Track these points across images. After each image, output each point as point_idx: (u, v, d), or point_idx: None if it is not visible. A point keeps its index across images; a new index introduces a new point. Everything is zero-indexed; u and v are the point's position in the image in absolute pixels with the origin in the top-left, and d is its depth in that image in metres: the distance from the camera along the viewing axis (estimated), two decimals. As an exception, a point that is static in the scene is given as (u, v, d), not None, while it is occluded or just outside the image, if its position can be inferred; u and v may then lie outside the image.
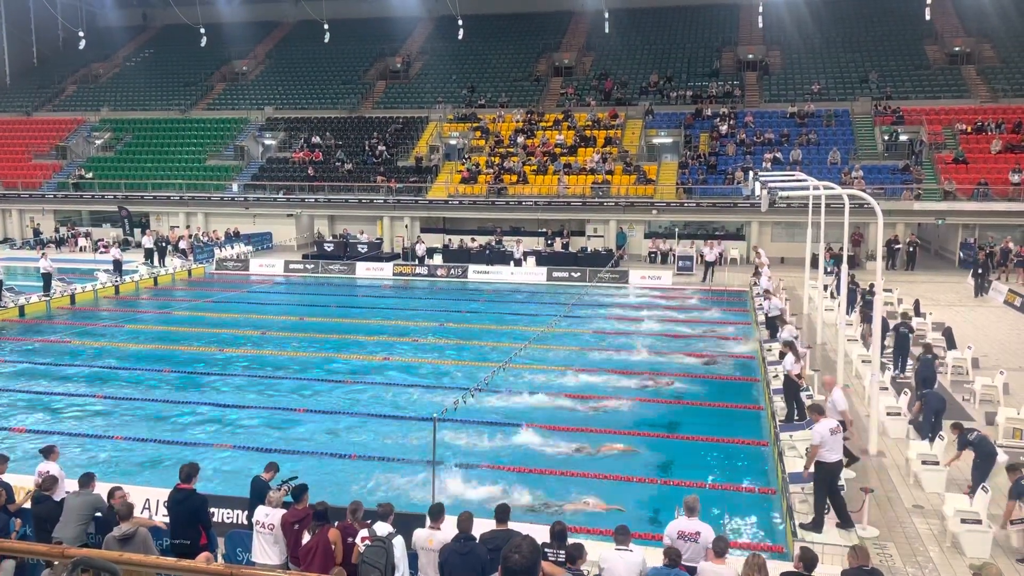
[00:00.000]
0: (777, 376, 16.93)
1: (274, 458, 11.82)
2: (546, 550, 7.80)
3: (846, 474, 11.43)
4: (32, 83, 55.82)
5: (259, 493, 9.37)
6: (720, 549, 7.67)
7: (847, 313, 20.81)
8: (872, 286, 18.90)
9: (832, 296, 23.76)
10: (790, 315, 21.62)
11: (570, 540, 7.96)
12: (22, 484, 10.29)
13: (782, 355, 15.73)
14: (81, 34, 52.01)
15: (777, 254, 34.74)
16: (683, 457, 13.88)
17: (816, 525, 10.40)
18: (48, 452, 10.09)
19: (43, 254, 30.45)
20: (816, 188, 20.71)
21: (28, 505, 9.36)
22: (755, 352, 20.76)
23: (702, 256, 33.43)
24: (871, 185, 34.13)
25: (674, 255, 34.92)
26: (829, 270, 26.15)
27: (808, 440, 11.61)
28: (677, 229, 37.16)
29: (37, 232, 43.10)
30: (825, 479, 10.46)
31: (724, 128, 41.17)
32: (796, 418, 14.33)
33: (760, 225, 36.78)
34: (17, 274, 31.53)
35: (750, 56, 47.59)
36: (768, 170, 33.36)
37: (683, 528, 8.32)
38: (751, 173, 25.18)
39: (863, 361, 17.59)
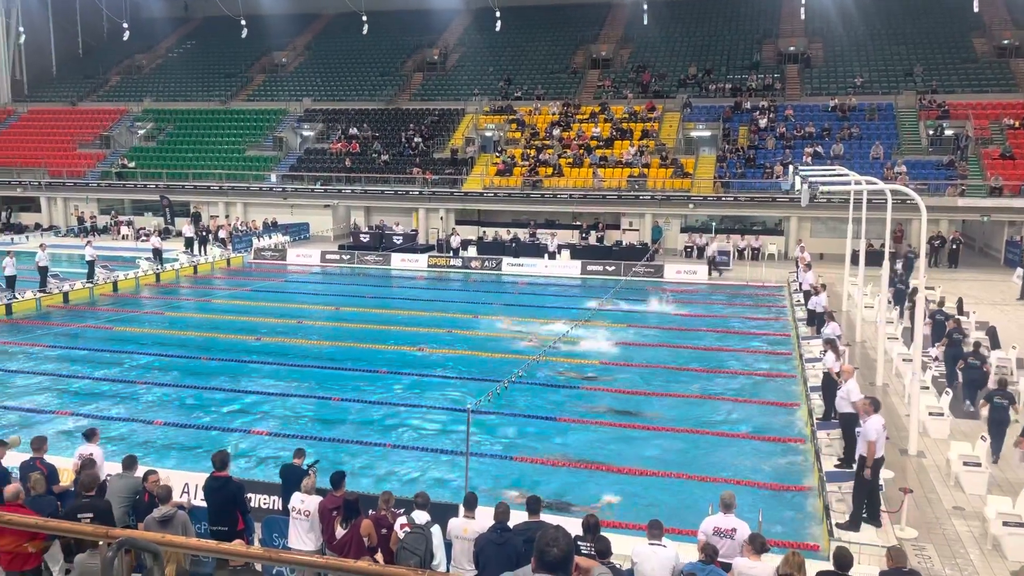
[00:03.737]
0: (816, 373, 16.74)
1: (308, 446, 12.00)
2: (578, 543, 7.80)
3: (884, 474, 11.25)
4: (78, 74, 56.96)
5: (292, 479, 9.50)
6: (758, 546, 7.60)
7: (900, 315, 20.52)
8: (913, 284, 18.55)
9: (895, 309, 22.77)
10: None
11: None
12: (64, 466, 10.51)
13: (823, 352, 15.52)
14: (125, 25, 52.90)
15: (816, 250, 34.22)
16: (718, 453, 13.77)
17: (854, 524, 10.26)
18: (90, 435, 10.32)
19: (88, 242, 31.09)
20: (858, 183, 20.36)
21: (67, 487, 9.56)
22: (792, 348, 20.51)
23: (702, 250, 33.33)
24: (914, 181, 33.45)
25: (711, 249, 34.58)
26: (897, 279, 24.74)
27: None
28: (714, 224, 36.79)
29: (81, 220, 44.02)
30: (870, 476, 10.30)
31: (763, 122, 40.63)
32: (833, 417, 14.13)
33: (799, 220, 36.27)
34: (62, 261, 32.23)
35: (791, 48, 46.86)
36: (808, 164, 32.84)
37: (719, 524, 8.26)
38: (791, 167, 24.76)
39: (904, 360, 17.28)
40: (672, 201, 37.40)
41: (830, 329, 17.03)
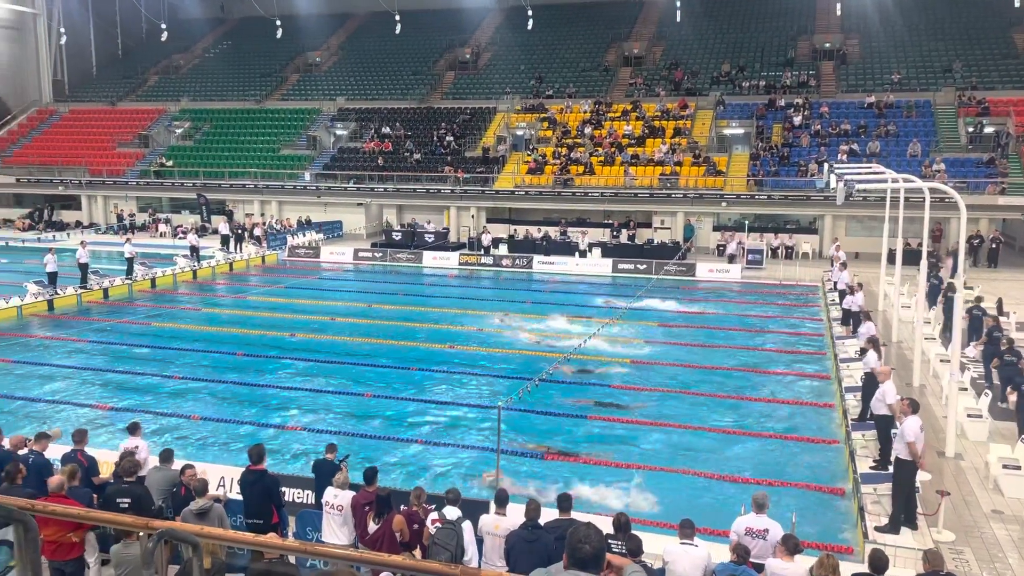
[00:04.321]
0: (851, 374, 16.53)
1: (341, 441, 12.12)
2: (609, 541, 7.79)
3: (921, 476, 11.09)
4: (117, 74, 58.01)
5: (324, 474, 9.61)
6: (791, 547, 7.53)
7: (930, 307, 20.15)
8: (952, 284, 18.23)
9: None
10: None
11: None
12: (104, 459, 10.74)
13: (862, 352, 15.31)
14: (163, 26, 53.74)
15: (852, 249, 33.75)
16: (751, 453, 13.66)
17: (893, 526, 10.12)
18: (133, 429, 10.55)
19: (127, 239, 31.67)
20: (895, 181, 20.05)
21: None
22: (826, 348, 20.27)
23: (723, 248, 33.21)
24: (953, 179, 32.83)
25: (743, 248, 34.31)
26: (931, 275, 23.86)
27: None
28: (747, 222, 36.44)
29: (120, 218, 44.84)
30: (908, 478, 10.17)
31: (798, 119, 40.15)
32: (869, 418, 13.95)
33: (834, 219, 35.80)
34: (102, 258, 32.86)
35: (827, 45, 46.24)
36: (844, 162, 32.42)
37: (751, 524, 8.20)
38: (826, 165, 24.44)
39: (941, 360, 16.99)
40: (705, 199, 37.13)
41: (865, 328, 16.81)
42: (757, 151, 39.13)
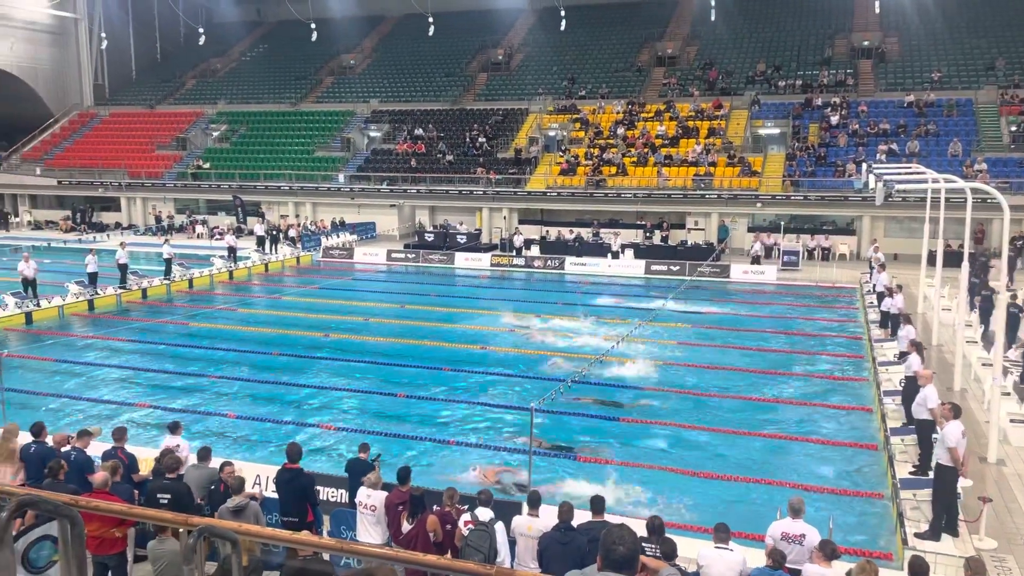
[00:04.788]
0: (889, 377, 16.27)
1: (373, 440, 12.19)
2: (642, 544, 7.74)
3: (963, 482, 10.86)
4: (156, 78, 59.03)
5: (358, 473, 9.68)
6: (828, 552, 7.42)
7: (971, 307, 19.75)
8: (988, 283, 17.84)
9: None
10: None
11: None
12: (142, 457, 10.91)
13: (903, 355, 15.04)
14: (201, 30, 54.70)
15: (891, 250, 33.19)
16: (787, 457, 13.50)
17: (934, 533, 9.93)
18: (174, 427, 10.72)
19: (165, 240, 32.20)
20: (935, 181, 19.68)
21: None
22: (865, 351, 19.96)
23: (769, 250, 32.92)
24: (996, 179, 32.13)
25: (778, 249, 33.94)
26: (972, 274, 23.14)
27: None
28: (783, 223, 36.00)
29: (159, 219, 45.62)
30: (949, 485, 9.97)
31: (835, 118, 39.60)
32: (909, 422, 13.71)
33: (872, 220, 35.22)
34: (140, 259, 33.45)
35: (865, 43, 45.53)
36: (882, 162, 31.91)
37: (787, 529, 8.09)
38: (864, 165, 24.08)
39: (983, 364, 16.64)
40: (739, 200, 36.78)
41: (905, 332, 16.51)
42: (793, 151, 38.66)
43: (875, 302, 23.16)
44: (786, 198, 36.15)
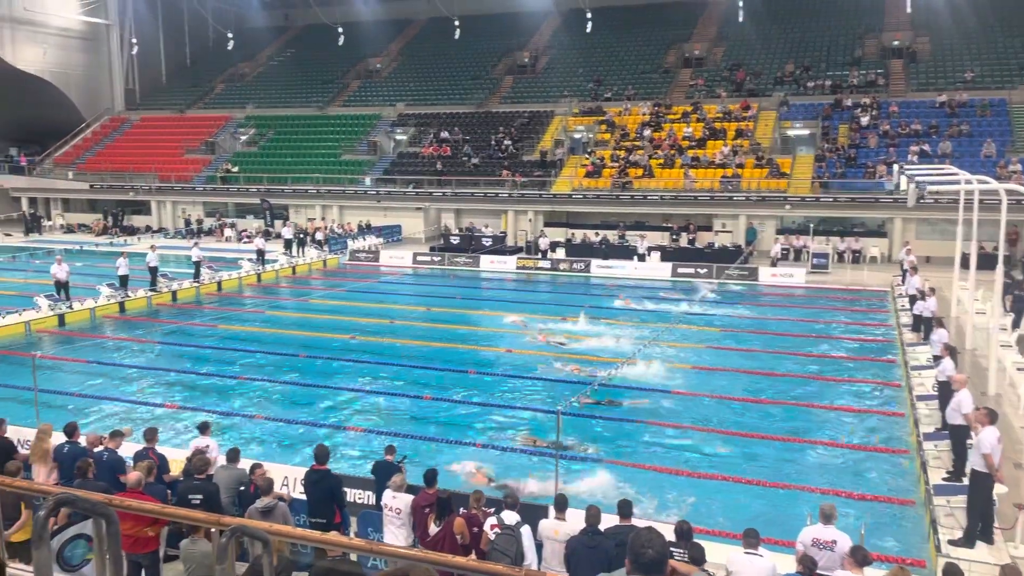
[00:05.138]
0: (922, 382, 16.03)
1: (399, 442, 12.22)
2: (671, 548, 7.68)
3: (998, 489, 10.65)
4: (185, 82, 59.81)
5: (384, 475, 9.70)
6: (860, 559, 7.30)
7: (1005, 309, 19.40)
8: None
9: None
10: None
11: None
12: (172, 457, 11.02)
13: (936, 359, 14.80)
14: (230, 35, 55.34)
15: (923, 253, 32.69)
16: (818, 462, 13.33)
17: (968, 540, 9.75)
18: (204, 428, 10.83)
19: (195, 243, 32.57)
20: (969, 182, 19.37)
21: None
22: (897, 355, 19.68)
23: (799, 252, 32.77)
24: (1030, 180, 31.57)
25: (808, 252, 33.59)
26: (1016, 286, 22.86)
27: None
28: (812, 225, 35.61)
29: (188, 222, 46.19)
30: (984, 491, 9.79)
31: (865, 119, 39.13)
32: (943, 427, 13.48)
33: (904, 222, 34.72)
34: (170, 261, 33.85)
35: (896, 43, 44.95)
36: (914, 163, 31.48)
37: (818, 535, 7.98)
38: (896, 166, 23.78)
39: (1018, 369, 16.33)
40: (767, 202, 36.45)
41: (938, 335, 16.26)
42: (822, 152, 38.26)
43: (907, 305, 22.84)
44: (815, 200, 35.77)
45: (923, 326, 19.71)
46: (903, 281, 25.88)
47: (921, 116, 38.63)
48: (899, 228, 34.94)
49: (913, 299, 21.73)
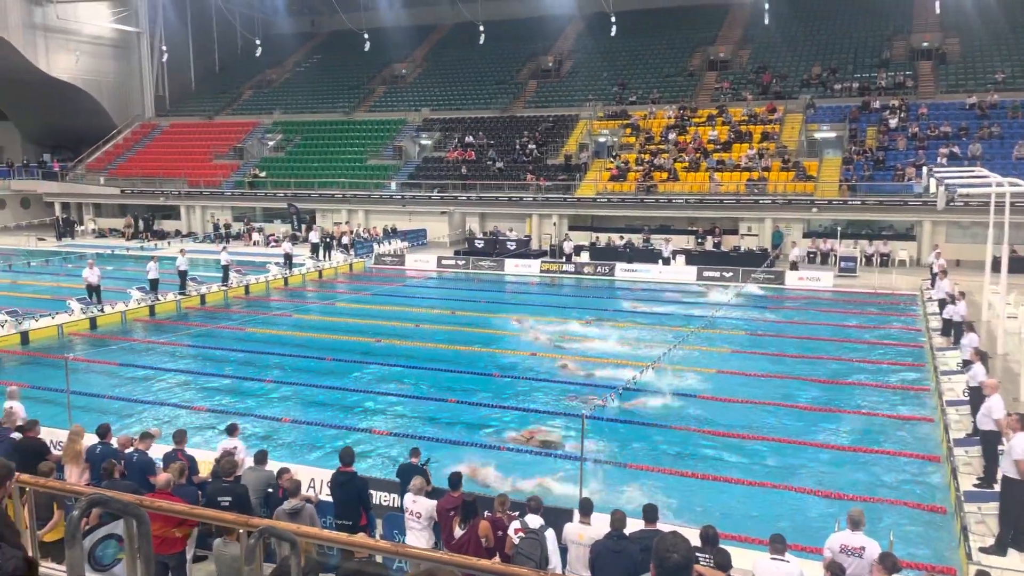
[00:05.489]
0: (952, 387, 15.81)
1: (424, 445, 12.27)
2: (696, 555, 7.64)
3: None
4: (214, 89, 60.57)
5: (409, 478, 9.74)
6: (889, 566, 7.22)
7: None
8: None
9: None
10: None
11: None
12: (200, 459, 11.15)
13: (966, 364, 14.59)
14: (258, 42, 55.98)
15: (953, 256, 32.25)
16: (845, 468, 13.19)
17: (1000, 547, 9.60)
18: (232, 430, 10.95)
19: (223, 247, 32.95)
20: (1000, 184, 19.09)
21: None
22: (926, 360, 19.42)
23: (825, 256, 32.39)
24: (1064, 182, 30.98)
25: (835, 255, 33.26)
26: None
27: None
28: (839, 228, 35.26)
29: (217, 227, 46.74)
30: (1017, 498, 9.63)
31: (894, 121, 38.69)
32: (973, 433, 13.28)
33: (933, 225, 34.29)
34: (199, 265, 34.26)
35: (925, 44, 44.39)
36: (944, 166, 31.07)
37: (846, 542, 7.90)
38: (925, 169, 23.47)
39: (1052, 374, 16.04)
40: (794, 205, 36.16)
41: (968, 340, 16.02)
42: (850, 155, 37.89)
43: (937, 309, 22.54)
44: (843, 203, 35.43)
45: (953, 330, 19.44)
46: (932, 285, 25.55)
47: (951, 118, 38.12)
48: (928, 231, 34.51)
49: (943, 303, 21.43)
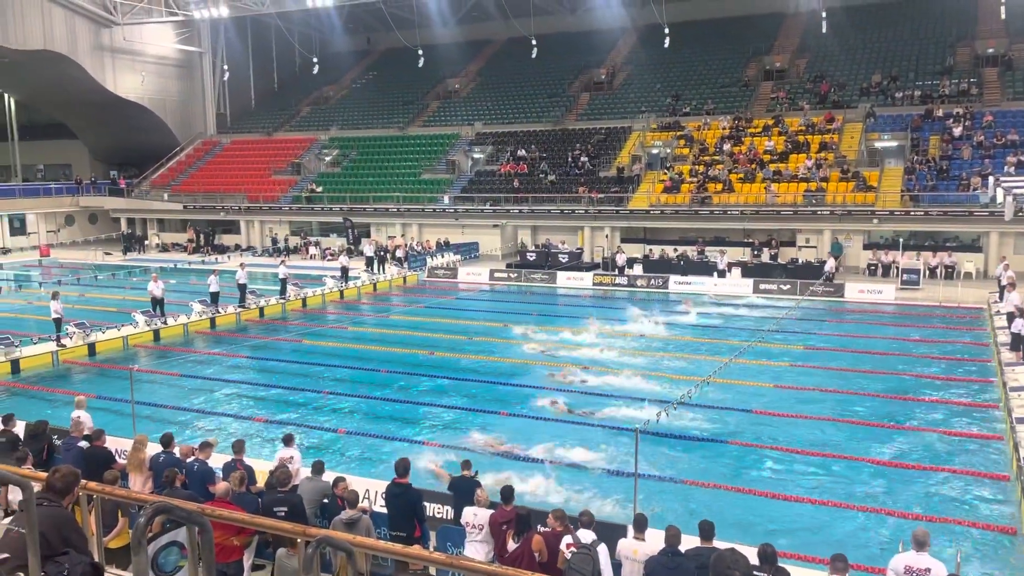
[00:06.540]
0: (1022, 403, 15.24)
1: (475, 458, 12.28)
2: (754, 573, 7.48)
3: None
4: (273, 106, 62.05)
5: (462, 490, 9.75)
6: (956, 590, 6.98)
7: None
8: None
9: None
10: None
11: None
12: (258, 469, 11.35)
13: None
14: (315, 60, 57.19)
15: (1021, 268, 31.14)
16: (910, 487, 12.79)
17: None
18: (288, 440, 11.14)
19: (281, 261, 33.62)
20: (1072, 194, 18.39)
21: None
22: (994, 376, 18.75)
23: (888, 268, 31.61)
24: None
25: (897, 268, 32.40)
26: None
27: None
28: (901, 240, 34.36)
29: (275, 241, 47.75)
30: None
31: (958, 130, 37.61)
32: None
33: (1000, 236, 33.18)
34: (258, 279, 35.01)
35: (990, 50, 43.09)
36: (1011, 175, 30.05)
37: (911, 563, 7.66)
38: (991, 178, 22.75)
39: None
40: (854, 216, 35.37)
41: (1039, 355, 15.45)
42: (912, 165, 36.93)
43: (1005, 323, 21.77)
44: (905, 214, 34.53)
45: (1022, 345, 18.74)
46: (1000, 298, 24.73)
47: (1018, 126, 36.90)
48: (995, 242, 33.39)
49: (1011, 317, 20.69)
